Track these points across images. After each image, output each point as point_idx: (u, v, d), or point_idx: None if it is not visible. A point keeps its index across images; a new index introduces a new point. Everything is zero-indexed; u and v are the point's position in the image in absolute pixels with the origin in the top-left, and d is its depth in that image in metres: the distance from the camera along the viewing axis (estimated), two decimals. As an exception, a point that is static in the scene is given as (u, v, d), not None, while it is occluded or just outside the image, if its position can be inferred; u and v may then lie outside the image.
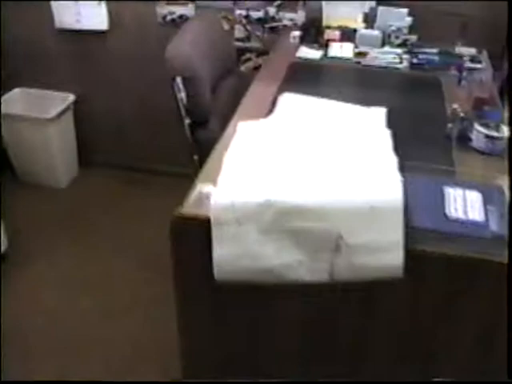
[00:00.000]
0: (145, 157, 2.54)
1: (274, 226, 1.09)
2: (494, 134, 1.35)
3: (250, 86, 1.66)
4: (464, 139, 1.39)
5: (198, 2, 2.04)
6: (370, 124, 1.41)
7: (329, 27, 1.89)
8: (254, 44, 2.07)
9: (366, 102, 1.55)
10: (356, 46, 1.84)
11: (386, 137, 1.33)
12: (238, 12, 2.03)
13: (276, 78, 1.68)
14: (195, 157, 1.62)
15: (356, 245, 1.06)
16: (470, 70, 1.76)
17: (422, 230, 1.08)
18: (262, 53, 2.06)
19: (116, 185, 2.51)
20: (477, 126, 1.36)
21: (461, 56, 1.83)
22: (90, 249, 2.13)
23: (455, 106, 1.46)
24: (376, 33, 1.84)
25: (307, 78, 1.70)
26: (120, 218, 2.29)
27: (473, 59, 1.82)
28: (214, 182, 1.16)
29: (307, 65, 1.77)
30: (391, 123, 1.43)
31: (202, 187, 1.16)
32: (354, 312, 1.16)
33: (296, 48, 1.87)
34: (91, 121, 2.53)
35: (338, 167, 1.19)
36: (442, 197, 1.14)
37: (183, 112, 1.55)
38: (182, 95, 1.53)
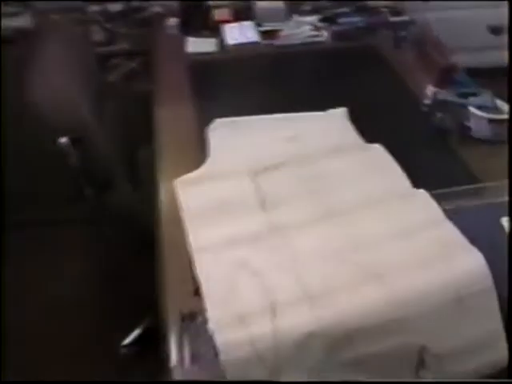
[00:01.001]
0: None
1: (325, 365, 0.72)
2: (498, 116, 1.07)
3: (153, 115, 1.21)
4: (459, 129, 1.10)
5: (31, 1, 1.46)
6: (347, 140, 1.06)
7: (216, 7, 1.46)
8: (120, 45, 1.57)
9: (306, 99, 1.20)
10: (259, 24, 1.45)
11: (383, 158, 1.00)
12: (90, 9, 1.50)
13: (180, 95, 1.24)
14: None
15: (446, 352, 0.74)
16: (396, 24, 1.47)
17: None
18: (132, 53, 1.57)
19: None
20: (474, 111, 1.08)
21: (378, 10, 1.52)
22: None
23: (431, 88, 1.16)
24: (279, 4, 1.45)
25: (222, 83, 1.29)
26: None
27: (393, 11, 1.52)
28: (191, 299, 0.77)
29: (210, 63, 1.35)
30: (357, 127, 1.11)
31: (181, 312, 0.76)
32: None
33: (180, 40, 1.43)
34: None
35: (371, 238, 0.83)
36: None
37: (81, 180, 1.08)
38: (73, 159, 1.04)
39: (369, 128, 1.10)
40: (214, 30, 1.43)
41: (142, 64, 1.49)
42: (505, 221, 0.87)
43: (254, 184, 0.96)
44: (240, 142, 1.07)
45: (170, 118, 1.19)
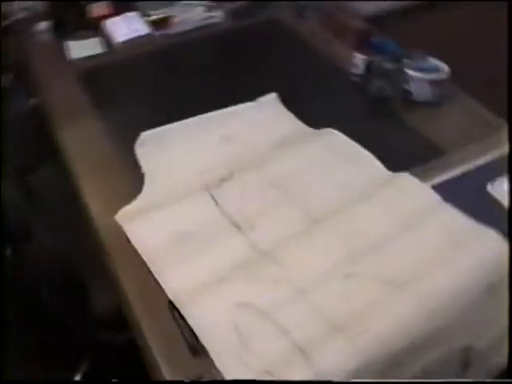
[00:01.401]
0: None
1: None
2: (438, 76, 1.02)
3: (52, 140, 1.01)
4: (400, 95, 1.04)
5: None
6: (292, 130, 0.95)
7: (92, 1, 1.25)
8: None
9: (225, 90, 1.08)
10: (146, 14, 1.27)
11: (341, 142, 0.90)
12: None
13: (78, 111, 1.04)
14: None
15: (489, 346, 0.67)
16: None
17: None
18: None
19: None
20: (414, 74, 1.01)
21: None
22: None
23: (360, 56, 1.08)
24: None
25: (122, 89, 1.10)
26: None
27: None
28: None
29: (102, 68, 1.15)
30: (292, 112, 1.01)
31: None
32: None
33: (57, 46, 1.21)
34: None
35: (374, 240, 0.73)
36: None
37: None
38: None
39: (304, 111, 1.00)
40: (94, 28, 1.23)
41: (16, 80, 1.25)
42: (491, 188, 0.82)
43: (213, 201, 0.82)
44: (175, 153, 0.92)
45: (77, 140, 0.99)
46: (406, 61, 1.04)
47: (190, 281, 0.71)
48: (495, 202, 0.80)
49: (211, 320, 0.66)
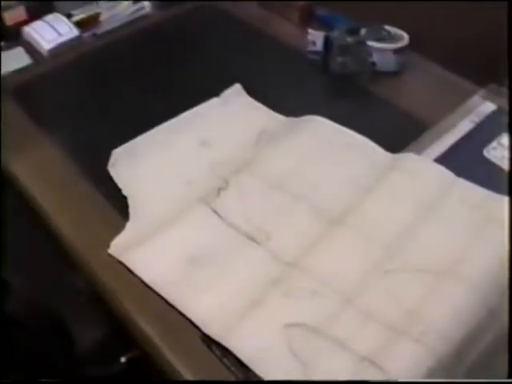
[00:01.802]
0: None
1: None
2: (401, 44, 1.00)
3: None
4: (363, 68, 1.01)
5: None
6: (269, 122, 0.90)
7: (6, 8, 1.10)
8: None
9: (179, 88, 1.00)
10: (68, 15, 1.14)
11: (330, 129, 0.86)
12: None
13: (24, 135, 0.92)
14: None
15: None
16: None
17: None
18: None
19: None
20: (377, 45, 0.99)
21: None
22: None
23: (312, 31, 1.04)
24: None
25: (66, 103, 0.99)
26: None
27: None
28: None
29: (36, 81, 1.02)
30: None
31: None
32: None
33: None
34: None
35: (405, 232, 0.70)
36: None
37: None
38: None
39: (267, 100, 0.95)
40: (14, 37, 1.09)
41: None
42: (487, 153, 0.82)
43: (216, 215, 0.75)
44: (154, 167, 0.84)
45: (32, 171, 0.88)
46: (363, 33, 1.01)
47: (220, 309, 0.65)
48: (494, 167, 0.80)
49: (260, 348, 0.61)
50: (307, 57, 1.05)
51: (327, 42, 1.01)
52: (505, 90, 0.91)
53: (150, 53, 1.10)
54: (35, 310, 0.91)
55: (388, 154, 0.81)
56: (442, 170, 0.76)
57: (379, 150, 0.81)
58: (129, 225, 0.77)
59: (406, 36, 1.00)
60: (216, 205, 0.76)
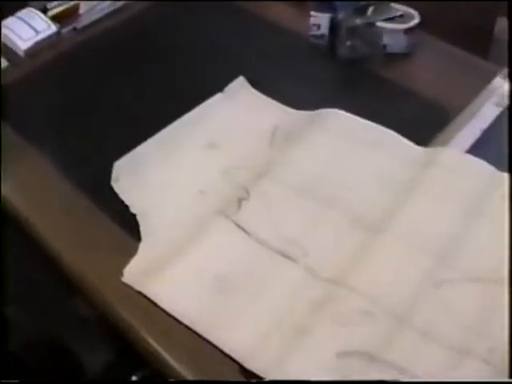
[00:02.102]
0: None
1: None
2: (411, 23, 0.92)
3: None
4: (375, 51, 0.93)
5: None
6: (282, 118, 0.82)
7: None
8: None
9: (180, 85, 0.91)
10: (43, 9, 1.02)
11: (351, 123, 0.79)
12: None
13: (12, 151, 0.83)
14: None
15: None
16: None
17: None
18: None
19: None
20: (387, 26, 0.91)
21: None
22: None
23: (316, 13, 0.96)
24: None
25: (53, 108, 0.89)
26: None
27: None
28: None
29: (16, 86, 0.92)
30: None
31: None
32: None
33: None
34: None
35: (453, 236, 0.64)
36: None
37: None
38: None
39: (275, 93, 0.88)
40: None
41: None
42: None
43: (241, 229, 0.68)
44: (162, 178, 0.76)
45: (25, 189, 0.78)
46: (369, 12, 0.93)
47: (260, 340, 0.58)
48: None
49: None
50: (310, 41, 0.97)
51: (333, 24, 0.93)
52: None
53: (139, 46, 1.00)
54: (39, 344, 0.84)
55: (419, 149, 0.74)
56: (482, 164, 0.70)
57: (409, 144, 0.75)
58: (142, 247, 0.69)
59: (415, 14, 0.93)
60: (239, 218, 0.69)
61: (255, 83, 0.90)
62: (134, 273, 0.66)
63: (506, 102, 0.82)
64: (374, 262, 0.63)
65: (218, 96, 0.86)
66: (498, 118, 0.80)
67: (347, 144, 0.75)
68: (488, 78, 0.86)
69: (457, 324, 0.57)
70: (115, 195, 0.74)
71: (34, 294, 0.84)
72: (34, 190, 0.78)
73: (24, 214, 0.75)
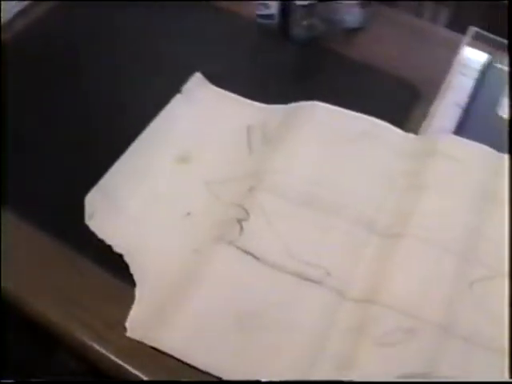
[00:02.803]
0: None
1: None
2: None
3: None
4: (333, 28, 0.87)
5: None
6: (255, 114, 0.74)
7: None
8: None
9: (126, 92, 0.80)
10: None
11: (331, 114, 0.73)
12: None
13: None
14: None
15: None
16: None
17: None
18: None
19: None
20: (344, 1, 0.85)
21: None
22: None
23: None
24: None
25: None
26: None
27: None
28: None
29: None
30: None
31: None
32: None
33: None
34: None
35: (463, 229, 0.61)
36: None
37: None
38: None
39: (235, 85, 0.80)
40: None
41: None
42: (502, 111, 0.75)
43: (249, 255, 0.61)
44: (140, 205, 0.67)
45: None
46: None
47: (300, 375, 0.53)
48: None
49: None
50: (258, 22, 0.89)
51: (284, 3, 0.86)
52: (489, 36, 0.83)
53: (61, 52, 0.86)
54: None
55: (411, 136, 0.71)
56: (483, 148, 0.68)
57: (400, 133, 0.71)
58: (139, 292, 0.60)
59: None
60: (244, 243, 0.62)
61: (210, 78, 0.81)
62: (138, 324, 0.58)
63: (476, 71, 0.80)
64: (399, 270, 0.59)
65: (177, 99, 0.77)
66: (475, 92, 0.78)
67: (335, 140, 0.70)
68: (453, 48, 0.84)
69: (495, 324, 0.56)
70: (93, 235, 0.64)
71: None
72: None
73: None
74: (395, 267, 0.59)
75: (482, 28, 0.84)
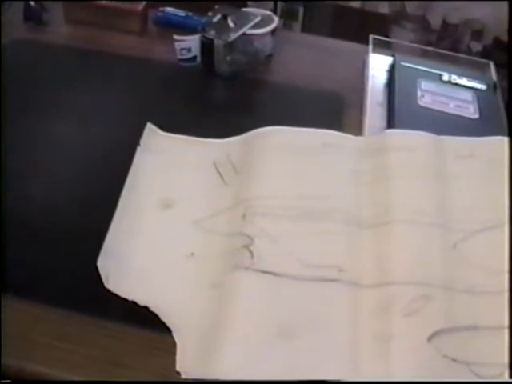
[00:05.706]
0: None
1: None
2: (274, 24, 0.96)
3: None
4: (252, 59, 0.95)
5: None
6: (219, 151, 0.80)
7: None
8: None
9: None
10: None
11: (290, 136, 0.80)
12: None
13: None
14: None
15: None
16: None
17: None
18: None
19: None
20: (256, 31, 0.94)
21: None
22: None
23: (180, 37, 0.92)
24: None
25: None
26: None
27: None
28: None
29: None
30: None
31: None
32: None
33: None
34: None
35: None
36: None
37: None
38: None
39: (183, 128, 0.84)
40: None
41: None
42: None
43: (269, 274, 0.66)
44: (149, 258, 0.69)
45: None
46: (230, 20, 0.94)
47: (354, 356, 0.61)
48: (436, 112, 0.87)
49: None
50: (182, 66, 0.95)
51: (205, 44, 0.92)
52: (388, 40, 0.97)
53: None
54: None
55: (362, 139, 0.81)
56: (423, 134, 0.80)
57: (354, 138, 0.80)
58: (178, 336, 0.63)
59: (272, 15, 0.98)
60: (259, 264, 0.67)
61: (160, 126, 0.85)
62: (189, 365, 0.61)
63: (386, 72, 0.93)
64: (398, 251, 0.68)
65: (139, 152, 0.80)
66: (390, 88, 0.90)
67: (301, 156, 0.77)
68: (360, 57, 0.96)
69: (489, 270, 0.67)
70: (115, 296, 0.65)
71: None
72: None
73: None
74: (394, 249, 0.68)
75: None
